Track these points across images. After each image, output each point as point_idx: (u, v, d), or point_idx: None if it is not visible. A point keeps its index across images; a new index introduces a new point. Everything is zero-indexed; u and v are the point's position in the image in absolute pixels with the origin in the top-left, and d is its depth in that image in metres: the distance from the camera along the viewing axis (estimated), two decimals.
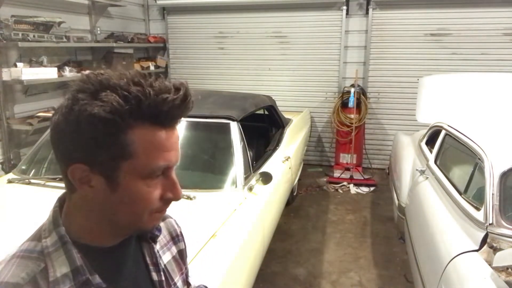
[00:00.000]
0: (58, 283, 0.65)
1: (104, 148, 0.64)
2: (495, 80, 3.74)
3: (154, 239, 0.84)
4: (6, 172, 3.14)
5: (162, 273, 0.82)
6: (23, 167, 2.64)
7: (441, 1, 5.13)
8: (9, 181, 2.45)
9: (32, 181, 2.43)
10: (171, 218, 0.95)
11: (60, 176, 2.59)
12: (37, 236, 0.71)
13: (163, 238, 0.88)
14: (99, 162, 0.65)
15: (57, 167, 2.49)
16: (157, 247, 0.85)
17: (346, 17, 5.48)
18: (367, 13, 5.41)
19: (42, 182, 2.42)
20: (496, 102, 3.24)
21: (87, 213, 0.70)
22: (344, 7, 5.43)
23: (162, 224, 0.89)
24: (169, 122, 0.67)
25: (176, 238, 0.93)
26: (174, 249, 0.91)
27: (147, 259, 0.81)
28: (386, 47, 5.42)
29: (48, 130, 2.68)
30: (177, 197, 0.71)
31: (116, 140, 0.64)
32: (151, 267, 0.81)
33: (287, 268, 3.29)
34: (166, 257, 0.87)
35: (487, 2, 4.97)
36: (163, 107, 0.64)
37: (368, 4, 5.38)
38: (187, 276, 0.94)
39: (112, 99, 0.62)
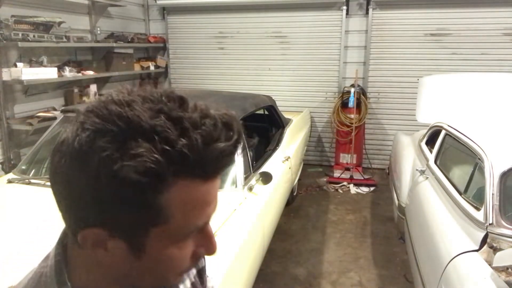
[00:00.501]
0: None
1: (131, 212, 0.48)
2: (495, 80, 3.74)
3: None
4: (6, 172, 3.14)
5: None
6: (23, 167, 2.65)
7: (441, 1, 5.13)
8: (9, 181, 2.45)
9: (32, 181, 2.43)
10: None
11: None
12: None
13: None
14: (122, 227, 0.49)
15: None
16: None
17: (346, 17, 5.48)
18: (367, 13, 5.41)
19: (42, 182, 2.42)
20: (496, 102, 3.24)
21: (96, 275, 0.55)
22: (344, 7, 5.43)
23: None
24: (216, 175, 0.52)
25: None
26: (193, 271, 0.76)
27: None
28: (386, 47, 5.42)
29: (48, 130, 2.66)
30: (212, 253, 0.58)
31: (148, 203, 0.48)
32: None
33: (287, 268, 3.29)
34: (184, 285, 0.73)
35: (487, 2, 4.97)
36: (213, 159, 0.49)
37: (368, 4, 5.38)
38: None
39: (147, 157, 0.45)
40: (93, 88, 4.71)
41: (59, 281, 0.54)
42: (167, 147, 0.46)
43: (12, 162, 3.82)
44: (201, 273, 0.78)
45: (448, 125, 2.79)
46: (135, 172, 0.45)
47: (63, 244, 0.58)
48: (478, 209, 1.91)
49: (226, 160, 0.51)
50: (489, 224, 1.77)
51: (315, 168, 5.83)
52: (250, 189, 2.50)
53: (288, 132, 3.96)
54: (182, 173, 0.48)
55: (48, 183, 2.01)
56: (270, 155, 3.26)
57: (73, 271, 0.56)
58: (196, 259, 0.58)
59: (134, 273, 0.54)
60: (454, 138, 2.61)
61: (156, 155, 0.45)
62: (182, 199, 0.49)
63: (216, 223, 2.00)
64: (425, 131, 3.44)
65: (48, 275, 0.55)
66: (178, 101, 0.51)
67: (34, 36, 3.79)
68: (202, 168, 0.49)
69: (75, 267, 0.56)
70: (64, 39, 4.20)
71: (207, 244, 0.57)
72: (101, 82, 5.08)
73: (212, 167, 0.50)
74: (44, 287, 0.55)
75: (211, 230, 0.57)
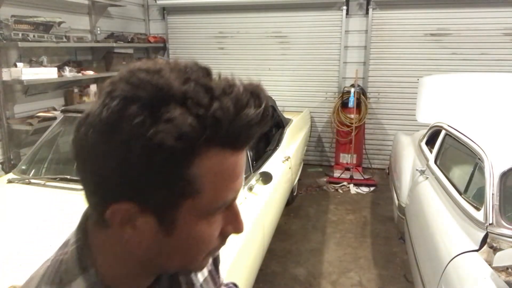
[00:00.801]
0: None
1: (164, 183, 0.46)
2: (495, 80, 3.74)
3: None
4: (6, 172, 3.14)
5: None
6: (23, 167, 2.65)
7: (441, 1, 5.13)
8: (9, 181, 2.45)
9: (32, 181, 2.43)
10: None
11: (60, 176, 2.59)
12: (55, 280, 0.52)
13: None
14: (154, 200, 0.47)
15: (57, 167, 2.48)
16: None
17: (346, 17, 5.48)
18: (367, 13, 5.41)
19: (42, 182, 2.42)
20: (496, 102, 3.24)
21: (122, 256, 0.53)
22: (344, 7, 5.43)
23: None
24: (245, 145, 0.50)
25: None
26: (209, 260, 0.75)
27: (183, 286, 0.67)
28: (386, 47, 5.42)
29: (48, 130, 2.66)
30: (239, 231, 0.56)
31: (181, 172, 0.46)
32: None
33: (287, 268, 3.29)
34: (202, 275, 0.72)
35: (487, 2, 4.97)
36: (243, 127, 0.47)
37: (368, 4, 5.38)
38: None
39: (182, 122, 0.43)
40: (93, 88, 4.71)
41: (82, 267, 0.52)
42: (201, 111, 0.45)
43: (12, 162, 3.82)
44: (216, 262, 0.77)
45: (448, 125, 2.79)
46: (170, 137, 0.43)
47: (83, 229, 0.55)
48: (478, 209, 1.91)
49: (255, 128, 0.49)
50: (489, 224, 1.77)
51: (315, 168, 5.83)
52: (250, 189, 2.50)
53: (288, 132, 3.96)
54: (213, 141, 0.46)
55: (48, 183, 2.01)
56: (270, 155, 3.26)
57: (95, 257, 0.53)
58: (223, 238, 0.56)
59: (164, 252, 0.51)
60: (454, 138, 2.61)
61: (190, 119, 0.44)
62: (213, 169, 0.48)
63: None
64: (425, 131, 3.44)
65: (69, 261, 0.53)
66: (204, 71, 0.50)
67: (34, 36, 3.79)
68: (233, 136, 0.47)
69: (98, 252, 0.53)
70: (64, 39, 4.20)
71: (234, 222, 0.55)
72: (101, 82, 5.07)
73: (242, 135, 0.48)
74: (65, 275, 0.51)
75: (237, 208, 0.56)
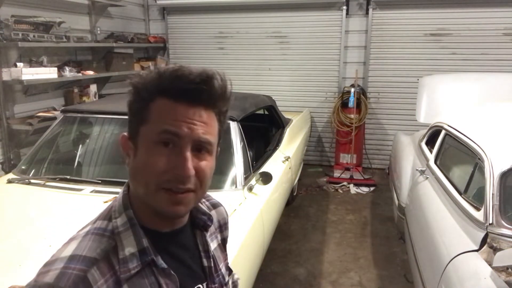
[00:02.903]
0: (126, 261, 0.71)
1: (133, 114, 0.74)
2: (495, 80, 3.74)
3: (206, 228, 0.89)
4: (6, 172, 3.14)
5: (211, 259, 0.87)
6: (23, 167, 2.64)
7: (441, 1, 5.13)
8: (9, 181, 2.45)
9: (32, 181, 2.44)
10: (222, 206, 1.01)
11: (60, 176, 2.59)
12: (108, 216, 0.77)
13: (212, 226, 0.92)
14: (131, 129, 0.75)
15: (57, 167, 2.49)
16: (207, 234, 0.90)
17: (346, 17, 5.48)
18: (367, 13, 5.41)
19: (42, 182, 2.42)
20: (496, 102, 3.24)
21: (137, 196, 0.76)
22: (344, 7, 5.43)
23: (213, 212, 0.94)
24: (186, 99, 0.72)
25: (223, 226, 0.98)
26: (219, 237, 0.96)
27: (200, 246, 0.86)
28: (386, 47, 5.42)
29: (48, 130, 2.68)
30: (182, 172, 0.71)
31: (141, 107, 0.73)
32: (202, 254, 0.86)
33: (287, 268, 3.29)
34: (213, 245, 0.91)
35: (487, 2, 4.97)
36: (177, 82, 0.72)
37: (368, 4, 5.38)
38: (227, 262, 0.99)
39: (144, 74, 0.74)
40: (93, 88, 4.71)
41: (125, 207, 0.76)
42: (156, 70, 0.74)
43: (12, 162, 3.82)
44: (224, 242, 0.98)
45: (448, 125, 2.79)
46: (137, 81, 0.74)
47: (127, 184, 0.79)
48: (478, 209, 1.91)
49: (193, 88, 0.72)
50: (489, 224, 1.76)
51: (315, 168, 5.83)
52: (250, 189, 2.50)
53: (288, 132, 3.96)
54: (163, 91, 0.72)
55: (48, 183, 2.02)
56: (270, 155, 3.26)
57: (132, 203, 0.77)
58: (174, 179, 0.71)
59: (133, 174, 0.75)
60: (454, 138, 2.61)
61: (150, 74, 0.74)
62: (160, 109, 0.72)
63: None
64: (425, 131, 3.43)
65: (117, 205, 0.78)
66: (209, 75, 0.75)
67: (34, 36, 3.79)
68: (170, 90, 0.72)
69: (133, 199, 0.77)
70: (64, 39, 4.20)
71: (180, 166, 0.71)
72: (101, 82, 5.07)
73: (180, 89, 0.72)
74: (113, 213, 0.77)
75: (187, 155, 0.72)
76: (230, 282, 0.98)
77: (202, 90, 0.72)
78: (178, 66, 0.74)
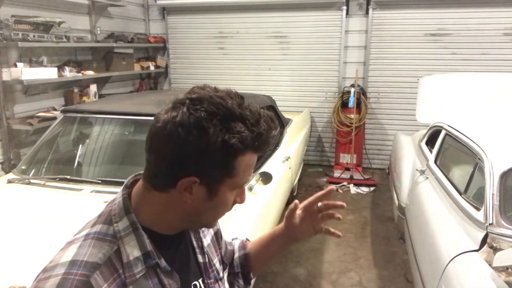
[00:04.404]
0: (131, 266, 0.73)
1: (219, 167, 0.73)
2: (495, 80, 3.74)
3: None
4: (6, 172, 3.14)
5: (206, 255, 0.92)
6: (23, 167, 2.64)
7: (441, 1, 5.13)
8: (9, 181, 2.44)
9: (32, 181, 2.43)
10: None
11: (60, 176, 2.58)
12: (108, 220, 0.76)
13: None
14: (210, 177, 0.74)
15: (57, 167, 2.48)
16: (200, 231, 0.94)
17: (346, 17, 5.48)
18: (367, 13, 5.41)
19: (42, 182, 2.42)
20: (496, 102, 3.24)
21: (168, 210, 0.77)
22: (344, 7, 5.43)
23: None
24: (263, 151, 0.78)
25: None
26: (211, 232, 1.00)
27: (194, 242, 0.90)
28: (386, 47, 5.42)
29: (48, 130, 2.66)
30: (243, 202, 0.84)
31: (230, 162, 0.73)
32: (197, 250, 0.90)
33: (287, 268, 3.29)
34: (206, 241, 0.95)
35: (487, 2, 4.97)
36: (267, 141, 0.76)
37: (368, 4, 5.38)
38: (222, 256, 1.04)
39: (246, 134, 0.71)
40: (93, 88, 4.71)
41: (126, 211, 0.76)
42: (254, 128, 0.72)
43: (12, 162, 3.82)
44: (217, 235, 1.02)
45: (448, 125, 2.79)
46: (238, 142, 0.70)
47: (127, 188, 0.80)
48: (478, 209, 1.91)
49: (272, 142, 0.78)
50: (489, 224, 1.76)
51: (315, 168, 5.83)
52: (250, 189, 2.50)
53: (288, 132, 3.96)
54: (253, 148, 0.74)
55: (48, 183, 2.01)
56: (270, 155, 3.26)
57: (135, 206, 0.77)
58: (232, 205, 0.82)
59: (203, 210, 0.78)
60: (454, 138, 2.61)
61: (247, 132, 0.71)
62: (246, 163, 0.75)
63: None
64: (425, 131, 3.43)
65: (117, 208, 0.77)
66: (241, 98, 0.75)
67: (34, 36, 3.79)
68: (262, 145, 0.75)
69: (142, 203, 0.77)
70: (64, 39, 4.20)
71: (241, 196, 0.83)
72: (101, 82, 5.08)
73: (266, 146, 0.77)
74: (114, 217, 0.76)
75: (245, 186, 0.83)
76: (225, 276, 1.02)
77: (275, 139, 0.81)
78: (256, 113, 0.75)
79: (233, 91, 0.77)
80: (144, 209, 0.77)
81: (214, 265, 0.94)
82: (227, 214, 2.16)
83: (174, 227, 0.81)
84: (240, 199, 0.83)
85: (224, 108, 0.71)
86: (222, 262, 1.01)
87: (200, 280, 0.88)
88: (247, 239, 1.17)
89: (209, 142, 0.69)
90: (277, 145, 3.55)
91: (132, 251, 0.73)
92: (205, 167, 0.72)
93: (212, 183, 0.74)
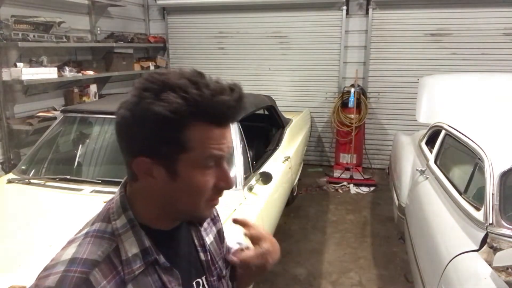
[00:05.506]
0: (130, 262, 0.73)
1: (166, 143, 0.70)
2: (495, 80, 3.74)
3: (201, 223, 0.92)
4: (6, 172, 3.14)
5: (208, 253, 0.90)
6: (23, 167, 2.64)
7: (441, 1, 5.13)
8: (9, 181, 2.45)
9: (32, 181, 2.43)
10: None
11: (60, 176, 2.59)
12: (106, 218, 0.77)
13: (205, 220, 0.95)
14: (161, 155, 0.71)
15: (57, 167, 2.49)
16: (202, 229, 0.92)
17: (346, 17, 5.48)
18: (367, 13, 5.41)
19: (42, 182, 2.42)
20: (496, 102, 3.24)
21: (149, 200, 0.76)
22: (344, 7, 5.43)
23: None
24: (224, 122, 0.73)
25: (215, 218, 1.00)
26: (214, 230, 0.98)
27: (196, 241, 0.89)
28: (386, 47, 5.42)
29: (48, 130, 2.67)
30: (228, 186, 0.77)
31: (176, 136, 0.69)
32: (199, 248, 0.89)
33: (287, 268, 3.29)
34: (209, 239, 0.94)
35: (487, 2, 4.97)
36: (219, 108, 0.70)
37: (368, 4, 5.38)
38: (225, 255, 1.00)
39: (173, 100, 0.67)
40: (93, 88, 4.71)
41: (123, 209, 0.76)
42: (185, 94, 0.67)
43: (12, 162, 3.82)
44: (220, 233, 1.00)
45: (448, 125, 2.79)
46: (165, 109, 0.66)
47: (124, 185, 0.79)
48: (478, 209, 1.91)
49: (231, 111, 0.71)
50: (489, 224, 1.76)
51: (315, 168, 5.83)
52: (250, 189, 2.50)
53: (288, 132, 3.96)
54: (198, 117, 0.69)
55: (48, 183, 2.01)
56: (270, 155, 3.26)
57: (132, 203, 0.77)
58: (218, 191, 0.77)
59: (173, 194, 0.74)
60: (454, 138, 2.61)
61: (178, 99, 0.67)
62: (200, 136, 0.70)
63: None
64: (425, 131, 3.43)
65: (115, 207, 0.77)
66: (198, 73, 0.72)
67: (34, 36, 3.79)
68: (212, 114, 0.70)
69: (134, 199, 0.77)
70: (64, 39, 4.20)
71: (224, 179, 0.76)
72: (101, 82, 5.07)
73: (220, 116, 0.71)
74: (112, 215, 0.76)
75: (227, 168, 0.77)
76: (228, 274, 1.00)
77: (238, 112, 0.73)
78: (211, 82, 0.70)
79: (194, 69, 0.73)
80: (135, 204, 0.77)
81: (217, 262, 0.93)
82: (227, 214, 2.17)
83: (164, 219, 0.79)
84: (225, 182, 0.77)
85: (159, 81, 0.69)
86: (224, 260, 1.00)
87: (203, 278, 0.87)
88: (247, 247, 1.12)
89: (140, 115, 0.68)
90: (277, 145, 3.55)
91: (131, 248, 0.73)
92: (149, 144, 0.70)
93: (167, 162, 0.71)
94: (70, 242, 0.74)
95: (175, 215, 0.79)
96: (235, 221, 1.00)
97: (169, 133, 0.69)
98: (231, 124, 0.75)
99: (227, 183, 0.77)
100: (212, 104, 0.69)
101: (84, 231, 0.76)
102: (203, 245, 0.90)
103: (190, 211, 0.77)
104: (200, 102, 0.68)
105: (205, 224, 0.95)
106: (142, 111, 0.68)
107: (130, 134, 0.72)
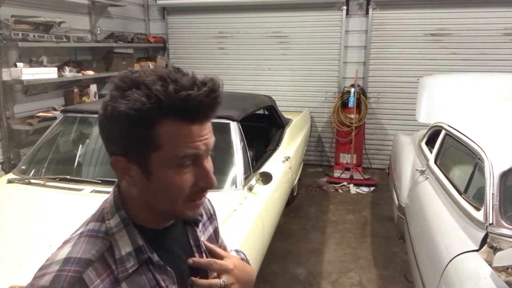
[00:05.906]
0: (123, 261, 0.73)
1: (136, 141, 0.69)
2: (495, 80, 3.74)
3: (197, 223, 0.91)
4: (6, 172, 3.14)
5: (203, 254, 0.90)
6: (23, 167, 2.64)
7: (441, 1, 5.13)
8: (9, 181, 2.45)
9: (32, 181, 2.44)
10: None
11: (60, 176, 2.60)
12: (100, 218, 0.77)
13: (203, 218, 0.95)
14: (134, 154, 0.71)
15: (57, 167, 2.49)
16: (198, 229, 0.92)
17: (346, 17, 5.48)
18: (367, 13, 5.41)
19: (42, 182, 2.42)
20: (496, 102, 3.23)
21: (134, 199, 0.76)
22: (344, 7, 5.43)
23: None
24: (196, 119, 0.70)
25: (211, 217, 1.00)
26: (210, 229, 0.98)
27: (191, 241, 0.88)
28: (386, 47, 5.42)
29: (48, 130, 2.69)
30: (209, 185, 0.75)
31: (145, 134, 0.68)
32: (194, 249, 0.88)
33: (287, 268, 3.29)
34: (205, 237, 0.94)
35: (487, 2, 4.97)
36: (186, 104, 0.67)
37: (368, 4, 5.38)
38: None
39: (135, 98, 0.65)
40: (93, 88, 4.71)
41: (117, 207, 0.76)
42: (148, 92, 0.65)
43: (12, 162, 3.82)
44: (216, 232, 1.01)
45: (448, 125, 2.79)
46: (127, 108, 0.65)
47: (117, 185, 0.79)
48: (478, 209, 1.91)
49: (200, 106, 0.68)
50: (489, 224, 1.76)
51: (315, 168, 5.83)
52: (250, 189, 2.50)
53: (288, 132, 3.96)
54: (165, 113, 0.67)
55: (48, 183, 2.01)
56: (270, 155, 3.26)
57: (124, 202, 0.77)
58: (200, 191, 0.75)
59: (151, 194, 0.73)
60: (454, 138, 2.61)
61: (141, 97, 0.65)
62: (170, 133, 0.68)
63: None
64: (425, 131, 3.43)
65: (109, 206, 0.77)
66: (175, 69, 0.70)
67: (34, 36, 3.79)
68: (180, 110, 0.67)
69: (125, 199, 0.77)
70: (64, 39, 4.20)
71: (205, 178, 0.74)
72: (101, 82, 5.08)
73: (189, 111, 0.68)
74: (106, 214, 0.76)
75: (207, 167, 0.75)
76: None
77: (213, 107, 0.70)
78: (181, 78, 0.67)
79: (171, 67, 0.71)
80: (129, 204, 0.77)
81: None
82: (227, 214, 2.17)
83: (155, 218, 0.78)
84: (205, 182, 0.74)
85: (129, 79, 0.68)
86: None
87: (198, 277, 0.87)
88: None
89: (109, 115, 0.68)
90: (277, 145, 3.55)
91: (124, 247, 0.73)
92: (122, 143, 0.70)
93: (140, 161, 0.70)
94: (65, 242, 0.75)
95: (158, 213, 0.78)
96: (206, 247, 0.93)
97: (137, 131, 0.68)
98: (208, 120, 0.73)
99: (207, 183, 0.74)
100: (177, 100, 0.66)
101: (79, 231, 0.76)
102: (198, 245, 0.89)
103: (169, 211, 0.76)
104: (164, 98, 0.65)
105: (204, 220, 0.95)
106: (110, 110, 0.68)
107: (106, 134, 0.73)
